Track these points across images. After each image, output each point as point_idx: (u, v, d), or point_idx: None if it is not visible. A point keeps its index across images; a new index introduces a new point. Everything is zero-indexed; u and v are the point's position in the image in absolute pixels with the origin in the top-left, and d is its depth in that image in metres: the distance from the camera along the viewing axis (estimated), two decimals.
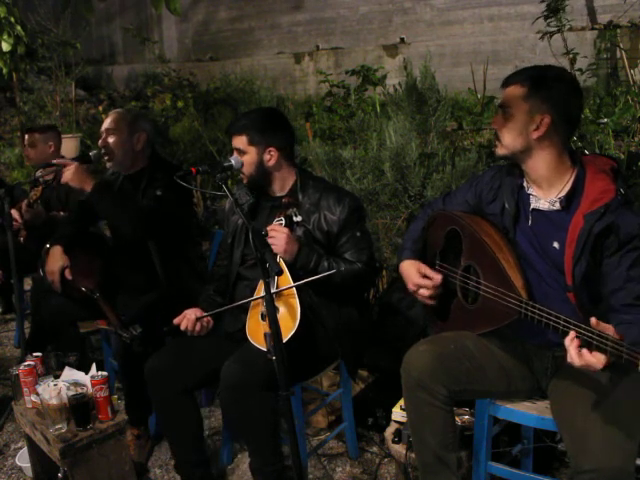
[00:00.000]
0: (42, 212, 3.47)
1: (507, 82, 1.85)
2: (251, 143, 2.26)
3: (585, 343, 1.53)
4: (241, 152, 2.27)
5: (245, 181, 2.33)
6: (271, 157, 2.28)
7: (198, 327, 2.29)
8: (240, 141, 2.26)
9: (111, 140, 2.72)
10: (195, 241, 2.96)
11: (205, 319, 2.32)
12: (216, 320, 2.38)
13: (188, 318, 2.29)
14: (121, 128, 2.73)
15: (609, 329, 1.52)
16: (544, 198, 1.84)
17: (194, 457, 2.36)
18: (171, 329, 2.31)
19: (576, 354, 1.53)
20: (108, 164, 2.78)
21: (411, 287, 2.04)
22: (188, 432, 2.34)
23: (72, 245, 2.81)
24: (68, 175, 2.58)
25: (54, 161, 2.75)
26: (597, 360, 1.50)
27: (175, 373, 2.24)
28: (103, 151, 2.73)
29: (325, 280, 2.11)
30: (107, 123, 2.75)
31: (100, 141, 2.75)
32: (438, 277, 2.00)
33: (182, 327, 2.28)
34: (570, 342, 1.55)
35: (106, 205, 2.61)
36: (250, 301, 2.17)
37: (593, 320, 1.53)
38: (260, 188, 2.36)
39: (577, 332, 1.55)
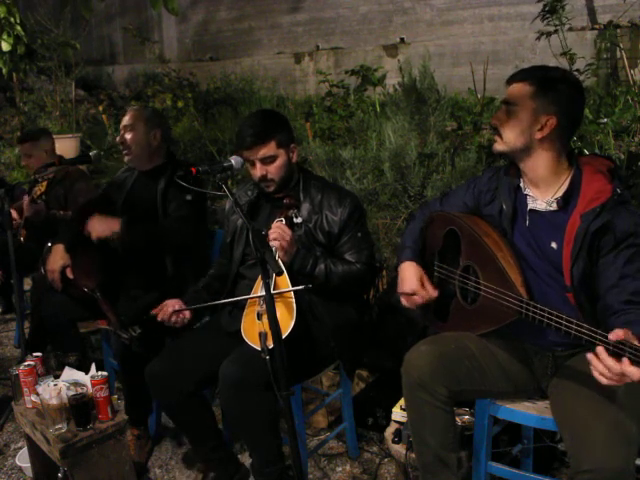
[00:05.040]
0: (43, 209, 3.47)
1: (513, 79, 1.84)
2: (280, 146, 2.25)
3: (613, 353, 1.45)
4: (270, 159, 2.24)
5: (271, 189, 2.29)
6: (294, 153, 2.32)
7: (174, 319, 2.31)
8: (269, 149, 2.23)
9: (129, 136, 2.79)
10: (203, 242, 2.97)
11: (182, 312, 2.33)
12: (198, 316, 2.41)
13: (164, 310, 2.31)
14: (138, 124, 2.80)
15: (627, 334, 1.46)
16: (541, 199, 1.84)
17: (211, 444, 2.37)
18: (149, 318, 2.33)
19: (614, 362, 1.44)
20: (126, 158, 2.84)
21: (406, 290, 2.02)
22: (200, 427, 2.36)
23: (74, 244, 2.82)
24: (96, 230, 2.66)
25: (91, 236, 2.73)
26: (634, 371, 1.42)
27: (176, 378, 2.24)
28: (121, 147, 2.82)
29: (324, 281, 2.11)
30: (125, 120, 2.83)
31: (118, 138, 2.83)
32: (434, 293, 1.99)
33: (159, 318, 2.31)
34: (600, 355, 1.47)
35: (139, 237, 2.69)
36: (243, 299, 2.17)
37: (617, 333, 1.46)
38: (283, 189, 2.33)
39: (578, 332, 1.55)
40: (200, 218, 2.79)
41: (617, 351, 1.45)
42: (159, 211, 2.76)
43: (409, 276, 2.03)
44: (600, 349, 1.48)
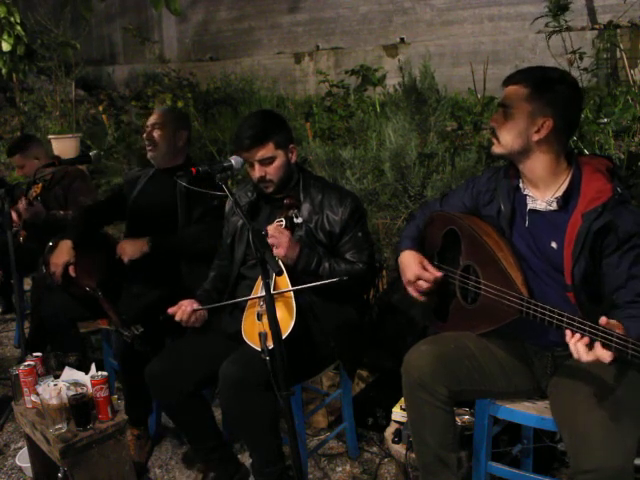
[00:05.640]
0: (42, 210, 3.47)
1: (509, 81, 1.83)
2: (278, 147, 2.25)
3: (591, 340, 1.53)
4: (268, 160, 2.24)
5: (270, 189, 2.29)
6: (293, 154, 2.32)
7: (193, 319, 2.28)
8: (267, 150, 2.23)
9: (156, 134, 2.82)
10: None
11: (199, 312, 2.31)
12: (211, 316, 2.37)
13: (183, 310, 2.28)
14: (166, 123, 2.83)
15: (618, 327, 1.52)
16: (541, 198, 1.84)
17: (211, 444, 2.37)
18: (166, 318, 2.30)
19: (584, 350, 1.52)
20: (150, 154, 2.86)
21: (409, 277, 2.00)
22: (200, 427, 2.36)
23: (79, 244, 2.82)
24: (127, 253, 2.71)
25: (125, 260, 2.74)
26: (605, 354, 1.50)
27: (176, 378, 2.24)
28: (147, 143, 2.84)
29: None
30: (153, 118, 2.86)
31: (145, 134, 2.85)
32: (438, 273, 1.98)
33: (177, 317, 2.27)
34: (574, 340, 1.55)
35: (169, 249, 2.73)
36: (247, 300, 2.17)
37: (603, 319, 1.51)
38: (283, 189, 2.33)
39: (580, 329, 1.55)
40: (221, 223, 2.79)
41: (621, 348, 1.46)
42: (180, 212, 2.76)
43: (409, 263, 2.02)
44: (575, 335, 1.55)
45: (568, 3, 4.14)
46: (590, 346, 1.52)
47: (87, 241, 2.87)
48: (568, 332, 1.56)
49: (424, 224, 2.14)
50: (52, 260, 2.77)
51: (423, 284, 1.99)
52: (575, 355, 1.54)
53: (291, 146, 2.31)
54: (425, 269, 1.99)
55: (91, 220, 2.96)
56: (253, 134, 2.22)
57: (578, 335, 1.54)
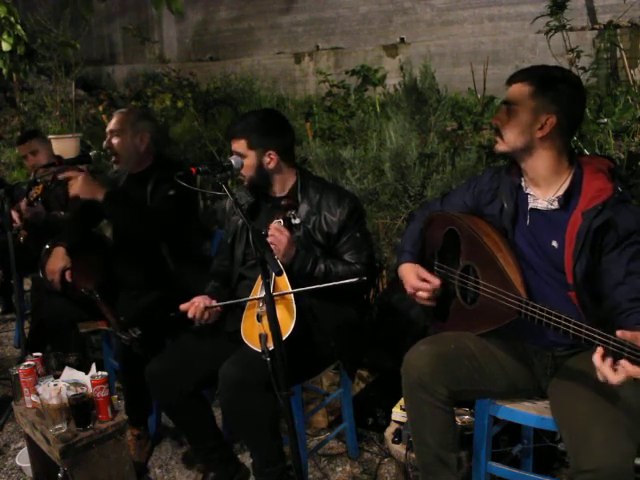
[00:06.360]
0: (42, 211, 3.47)
1: (513, 79, 1.85)
2: (250, 147, 2.25)
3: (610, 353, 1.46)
4: (241, 156, 2.27)
5: (245, 183, 2.34)
6: (271, 160, 2.28)
7: (206, 315, 2.27)
8: (239, 145, 2.26)
9: (115, 141, 2.75)
10: (198, 241, 2.97)
11: (213, 308, 2.29)
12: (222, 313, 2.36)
13: (196, 306, 2.26)
14: (124, 129, 2.75)
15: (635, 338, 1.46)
16: (542, 197, 1.85)
17: (211, 444, 2.37)
18: (178, 315, 2.28)
19: (611, 370, 1.45)
20: (115, 166, 2.81)
21: (409, 290, 2.03)
22: (200, 427, 2.36)
23: (74, 246, 2.82)
24: (77, 187, 2.58)
25: (61, 176, 2.69)
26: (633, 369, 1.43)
27: (176, 378, 2.24)
28: (109, 152, 2.77)
29: (323, 281, 2.11)
30: (111, 125, 2.78)
31: (105, 142, 2.78)
32: (436, 281, 1.98)
33: (190, 314, 2.25)
34: (600, 359, 1.48)
35: (120, 212, 2.64)
36: (250, 300, 2.16)
37: (619, 332, 1.47)
38: (260, 190, 2.36)
39: (577, 331, 1.55)
40: (186, 214, 2.74)
41: (616, 351, 1.45)
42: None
43: (407, 276, 2.04)
44: (597, 356, 1.48)
45: (566, 0, 4.14)
46: (605, 356, 1.47)
47: (82, 243, 2.87)
48: (598, 352, 1.50)
49: (424, 225, 2.14)
50: (48, 267, 2.78)
51: (423, 294, 2.00)
52: (601, 378, 1.48)
53: (270, 152, 2.26)
54: (423, 279, 2.00)
55: (84, 220, 2.96)
56: (234, 126, 2.29)
57: (601, 350, 1.47)
